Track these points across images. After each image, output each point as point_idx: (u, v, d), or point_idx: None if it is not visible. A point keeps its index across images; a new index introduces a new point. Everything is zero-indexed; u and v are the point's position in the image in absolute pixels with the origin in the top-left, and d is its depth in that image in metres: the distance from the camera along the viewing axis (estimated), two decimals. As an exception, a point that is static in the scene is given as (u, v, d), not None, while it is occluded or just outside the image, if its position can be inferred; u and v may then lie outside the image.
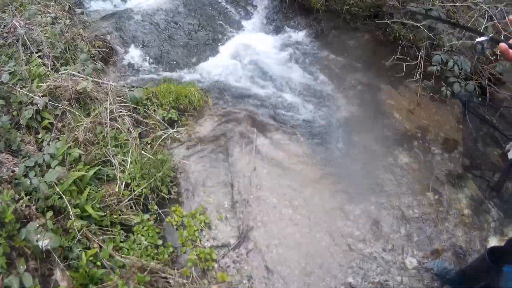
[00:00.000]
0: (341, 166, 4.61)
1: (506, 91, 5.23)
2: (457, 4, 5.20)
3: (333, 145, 4.86)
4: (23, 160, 3.59)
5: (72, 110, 4.18)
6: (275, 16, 7.15)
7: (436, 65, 4.83)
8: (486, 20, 4.71)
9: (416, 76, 5.35)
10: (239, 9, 7.23)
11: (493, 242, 4.11)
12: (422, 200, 4.34)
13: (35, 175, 3.46)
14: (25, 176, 3.44)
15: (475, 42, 1.33)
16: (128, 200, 3.76)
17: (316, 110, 5.34)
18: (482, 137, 4.84)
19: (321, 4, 6.66)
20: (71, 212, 3.29)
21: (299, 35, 6.84)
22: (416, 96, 5.49)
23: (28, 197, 3.28)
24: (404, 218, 4.17)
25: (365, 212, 4.17)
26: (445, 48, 4.95)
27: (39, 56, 4.62)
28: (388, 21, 5.87)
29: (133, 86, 5.02)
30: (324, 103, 5.48)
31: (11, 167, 3.46)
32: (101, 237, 3.43)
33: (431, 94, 5.49)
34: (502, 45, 1.22)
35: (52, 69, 4.55)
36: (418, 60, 5.35)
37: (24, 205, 3.14)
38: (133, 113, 4.59)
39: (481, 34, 1.27)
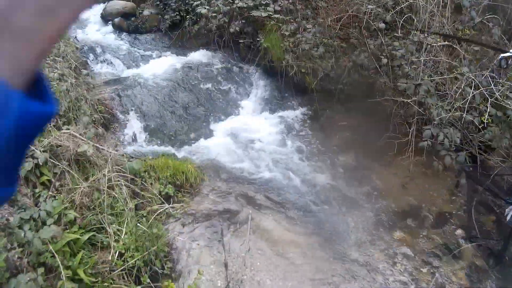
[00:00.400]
0: (335, 251, 4.55)
1: (497, 157, 5.31)
2: (445, 76, 5.41)
3: (328, 228, 4.84)
4: (18, 211, 3.56)
5: (71, 171, 4.21)
6: (271, 95, 7.37)
7: (426, 140, 4.94)
8: (472, 88, 4.90)
9: (407, 153, 5.46)
10: (238, 88, 7.44)
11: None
12: (419, 276, 4.29)
13: (30, 229, 3.43)
14: (19, 227, 3.42)
15: (499, 57, 1.40)
16: (121, 270, 3.71)
17: (310, 192, 5.38)
18: (475, 206, 4.90)
19: (315, 83, 6.89)
20: (62, 273, 3.25)
21: (294, 115, 7.03)
22: (408, 173, 5.56)
23: (21, 248, 3.25)
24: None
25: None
26: (435, 122, 5.08)
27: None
28: (379, 99, 6.07)
29: (132, 157, 5.10)
30: (318, 184, 5.52)
31: (6, 215, 3.44)
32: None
33: (423, 169, 5.56)
34: None
35: (54, 125, 4.62)
36: (409, 137, 5.48)
37: (16, 255, 3.12)
38: (131, 183, 4.62)
39: (503, 51, 1.36)
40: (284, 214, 4.92)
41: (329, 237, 4.69)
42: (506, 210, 3.52)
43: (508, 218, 3.40)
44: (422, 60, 5.39)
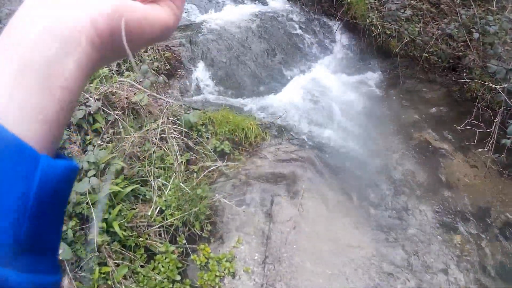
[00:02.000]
0: (387, 240, 4.23)
1: None
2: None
3: (385, 213, 4.50)
4: (64, 159, 3.54)
5: (123, 120, 4.14)
6: (351, 54, 6.98)
7: (510, 137, 4.46)
8: None
9: (487, 146, 4.96)
10: (316, 44, 7.06)
11: None
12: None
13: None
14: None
15: None
16: (159, 227, 3.64)
17: (375, 168, 5.04)
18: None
19: (399, 48, 6.41)
20: (95, 226, 3.21)
21: (374, 79, 6.61)
22: (484, 168, 5.05)
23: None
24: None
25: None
26: (524, 118, 4.56)
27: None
28: (465, 79, 5.55)
29: (191, 108, 4.93)
30: (385, 161, 5.16)
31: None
32: (121, 256, 3.34)
33: (501, 169, 5.02)
34: None
35: (117, 71, 4.53)
36: (492, 128, 4.97)
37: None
38: (185, 137, 4.49)
39: None
40: (345, 189, 4.62)
41: (385, 228, 4.36)
42: None
43: None
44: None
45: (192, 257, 3.64)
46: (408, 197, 4.72)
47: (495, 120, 5.02)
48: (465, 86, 5.93)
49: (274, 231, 3.98)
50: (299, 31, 7.08)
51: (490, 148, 4.89)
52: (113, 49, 0.47)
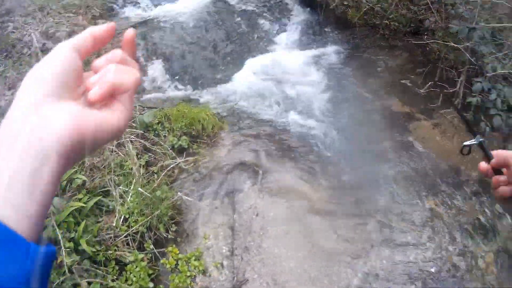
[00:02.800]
0: (359, 213, 4.15)
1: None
2: (505, 24, 4.73)
3: (353, 186, 4.41)
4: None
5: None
6: (309, 29, 6.84)
7: (475, 95, 4.38)
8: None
9: (453, 106, 4.90)
10: (273, 21, 6.93)
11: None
12: (444, 254, 3.87)
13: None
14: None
15: (463, 144, 1.18)
16: (125, 236, 3.53)
17: (340, 146, 4.91)
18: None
19: (358, 17, 6.30)
20: (62, 248, 3.10)
21: (333, 52, 6.45)
22: (451, 129, 4.99)
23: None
24: (421, 275, 3.72)
25: (377, 268, 3.72)
26: (488, 75, 4.47)
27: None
28: (427, 41, 5.45)
29: (147, 107, 4.80)
30: (351, 135, 5.05)
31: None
32: (93, 273, 3.22)
33: (469, 127, 4.98)
34: (482, 165, 1.13)
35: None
36: (457, 88, 4.89)
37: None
38: (142, 138, 4.36)
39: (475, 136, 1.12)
40: (307, 172, 4.50)
41: (355, 199, 4.28)
42: None
43: None
44: (479, 1, 4.69)
45: (161, 261, 3.56)
46: (377, 165, 4.68)
47: (459, 80, 4.95)
48: (427, 49, 5.85)
49: (239, 221, 3.92)
50: (254, 13, 6.96)
51: (457, 108, 4.83)
52: (76, 156, 0.60)
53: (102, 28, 0.68)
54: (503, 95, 4.29)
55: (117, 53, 0.69)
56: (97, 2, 5.90)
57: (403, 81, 5.75)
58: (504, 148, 4.60)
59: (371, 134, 5.06)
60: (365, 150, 4.88)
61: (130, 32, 0.72)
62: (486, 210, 4.23)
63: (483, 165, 1.14)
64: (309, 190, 4.31)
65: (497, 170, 1.12)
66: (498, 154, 1.11)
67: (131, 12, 6.96)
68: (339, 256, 3.75)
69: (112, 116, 0.64)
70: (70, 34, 5.03)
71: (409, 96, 5.49)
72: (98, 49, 0.69)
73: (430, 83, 5.17)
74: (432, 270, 3.74)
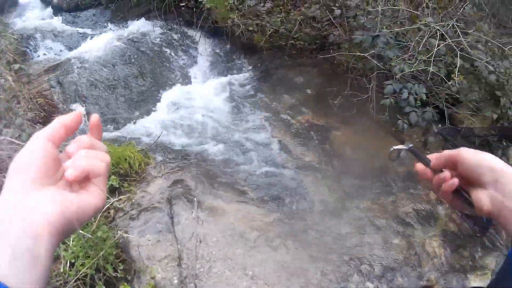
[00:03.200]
0: (297, 224, 4.17)
1: (465, 111, 5.03)
2: (406, 27, 5.05)
3: (287, 201, 4.43)
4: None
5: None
6: (218, 59, 6.96)
7: (388, 97, 4.61)
8: (438, 40, 4.56)
9: (369, 110, 5.12)
10: (183, 57, 6.97)
11: (475, 279, 3.84)
12: (389, 248, 3.98)
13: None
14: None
15: (391, 149, 1.15)
16: (75, 281, 3.33)
17: (265, 163, 4.96)
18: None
19: (264, 41, 6.46)
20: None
21: (245, 78, 6.60)
22: (371, 132, 5.20)
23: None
24: (372, 271, 3.79)
25: (327, 273, 3.73)
26: (397, 76, 4.73)
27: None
28: (334, 54, 5.70)
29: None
30: (273, 153, 5.10)
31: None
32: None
33: (387, 128, 5.18)
34: (419, 166, 1.06)
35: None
36: (370, 93, 5.13)
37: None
38: (72, 182, 4.15)
39: (402, 142, 1.09)
40: (239, 190, 4.49)
41: (289, 213, 4.29)
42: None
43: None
44: (379, 10, 4.98)
45: (115, 301, 3.36)
46: (305, 179, 4.72)
47: (370, 86, 5.18)
48: (335, 62, 6.09)
49: (183, 250, 3.81)
50: (165, 48, 6.97)
51: (372, 111, 5.05)
52: (64, 233, 0.69)
53: (70, 117, 0.77)
54: (414, 92, 4.54)
55: (84, 138, 0.79)
56: (11, 47, 5.67)
57: (316, 95, 5.93)
58: (425, 141, 4.91)
59: (292, 149, 5.14)
60: (288, 163, 4.93)
61: (95, 117, 0.83)
62: (421, 200, 4.43)
63: (420, 165, 1.07)
64: (244, 209, 4.29)
65: (436, 171, 1.05)
66: (439, 156, 1.04)
67: (43, 56, 6.81)
68: (288, 266, 3.75)
69: (90, 198, 0.75)
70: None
71: (324, 109, 5.66)
72: (69, 135, 0.78)
73: (342, 93, 5.36)
74: (384, 263, 3.83)
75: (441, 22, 4.72)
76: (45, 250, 0.64)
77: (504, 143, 4.85)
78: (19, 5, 9.11)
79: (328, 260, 3.82)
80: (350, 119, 5.40)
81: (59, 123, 0.76)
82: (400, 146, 1.12)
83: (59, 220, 0.67)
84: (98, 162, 0.77)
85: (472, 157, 0.94)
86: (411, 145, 1.11)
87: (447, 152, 1.00)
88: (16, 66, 5.57)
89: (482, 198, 0.90)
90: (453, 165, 0.98)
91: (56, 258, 3.44)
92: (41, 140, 0.72)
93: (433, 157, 1.04)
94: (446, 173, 0.98)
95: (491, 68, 4.43)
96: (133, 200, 4.26)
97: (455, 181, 0.96)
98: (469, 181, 0.95)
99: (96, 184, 0.78)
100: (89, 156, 0.76)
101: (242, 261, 3.74)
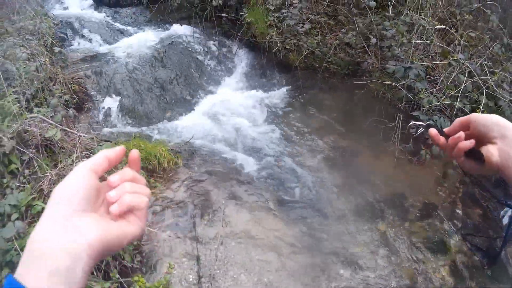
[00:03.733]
0: (314, 240, 4.33)
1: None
2: (437, 61, 5.19)
3: (307, 218, 4.59)
4: (-17, 205, 3.33)
5: (39, 158, 3.93)
6: (253, 72, 7.12)
7: (414, 127, 4.73)
8: (466, 76, 4.69)
9: (394, 138, 5.26)
10: (219, 65, 7.17)
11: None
12: (400, 272, 4.11)
13: (-5, 225, 3.21)
14: (-16, 224, 3.19)
15: (410, 123, 1.28)
16: (89, 265, 3.47)
17: (289, 179, 5.11)
18: (461, 198, 4.73)
19: (299, 61, 6.65)
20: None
21: (277, 94, 6.76)
22: (394, 160, 5.33)
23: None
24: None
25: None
26: (424, 108, 4.87)
27: (14, 92, 4.39)
28: (366, 81, 5.85)
29: (103, 140, 4.80)
30: (298, 170, 5.25)
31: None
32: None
33: (410, 157, 5.33)
34: (432, 130, 1.14)
35: (26, 108, 4.34)
36: (396, 122, 5.27)
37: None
38: (101, 170, 4.33)
39: (420, 120, 1.21)
40: (262, 202, 4.67)
41: (309, 227, 4.46)
42: (501, 212, 3.37)
43: (504, 220, 3.24)
44: (413, 42, 5.14)
45: (129, 290, 3.51)
46: (326, 197, 4.88)
47: (398, 115, 5.31)
48: (366, 89, 6.23)
49: (203, 250, 3.96)
50: (202, 54, 7.16)
51: (397, 140, 5.18)
52: (101, 257, 0.75)
53: (114, 152, 0.86)
54: (440, 125, 4.67)
55: (127, 172, 0.87)
56: (50, 31, 5.88)
57: (344, 118, 6.10)
58: (444, 174, 5.02)
59: (317, 167, 5.30)
60: (312, 182, 5.08)
61: (135, 153, 0.91)
62: (435, 229, 4.55)
63: (434, 131, 1.14)
64: (266, 220, 4.45)
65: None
66: (452, 125, 1.12)
67: (81, 45, 7.05)
68: (302, 278, 3.89)
69: (130, 228, 0.80)
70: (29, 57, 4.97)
71: (351, 133, 5.82)
72: (111, 168, 0.85)
73: (371, 118, 5.50)
74: (392, 284, 3.95)
75: (470, 60, 4.85)
76: (82, 270, 0.68)
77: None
78: None
79: (339, 276, 3.97)
80: (376, 145, 5.54)
81: (104, 155, 0.83)
82: (418, 122, 1.22)
83: (98, 244, 0.72)
84: (141, 197, 0.84)
85: (482, 117, 1.04)
86: (428, 122, 1.19)
87: (459, 119, 1.10)
88: (57, 49, 5.76)
89: (492, 151, 1.00)
90: (466, 129, 1.07)
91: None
92: (84, 170, 0.78)
93: (446, 129, 1.13)
94: (461, 133, 1.06)
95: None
96: (158, 196, 4.45)
97: (472, 141, 1.04)
98: (479, 140, 1.04)
99: (137, 215, 0.84)
100: (133, 190, 0.84)
101: (258, 268, 3.90)
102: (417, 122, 1.22)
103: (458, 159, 1.10)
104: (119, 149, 0.87)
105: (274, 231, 4.31)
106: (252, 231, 4.26)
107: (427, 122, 1.18)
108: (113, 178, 0.83)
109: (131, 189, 0.83)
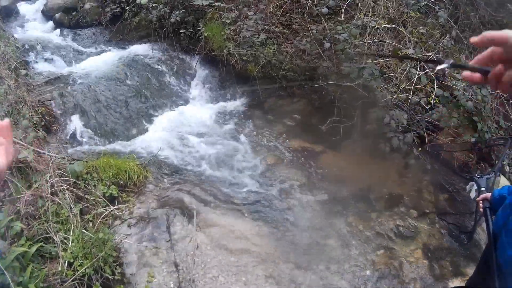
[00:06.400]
0: (287, 237, 4.50)
1: (446, 137, 5.43)
2: (390, 59, 5.44)
3: (277, 217, 4.75)
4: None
5: (13, 180, 3.95)
6: (213, 85, 7.25)
7: (372, 123, 4.96)
8: (418, 70, 4.95)
9: (354, 136, 5.47)
10: (179, 80, 7.27)
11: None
12: (373, 259, 4.31)
13: (-24, 248, 3.23)
14: (-37, 246, 3.21)
15: (436, 70, 1.29)
16: (72, 280, 3.51)
17: (256, 183, 5.28)
18: (425, 185, 4.98)
19: (257, 71, 6.81)
20: (12, 291, 3.06)
21: (237, 104, 6.96)
22: (356, 156, 5.58)
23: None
24: (358, 281, 4.10)
25: (317, 281, 4.04)
26: (380, 104, 5.11)
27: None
28: (322, 84, 6.06)
29: (73, 159, 4.84)
30: (264, 174, 5.44)
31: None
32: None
33: (371, 152, 5.53)
34: (465, 73, 1.07)
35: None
36: (355, 120, 5.49)
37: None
38: (74, 187, 4.38)
39: (440, 62, 1.22)
40: (232, 206, 4.81)
41: (279, 227, 4.62)
42: (467, 186, 3.57)
43: (472, 194, 3.44)
44: (366, 44, 5.39)
45: (112, 303, 3.56)
46: (293, 197, 5.07)
47: (356, 113, 5.55)
48: (323, 93, 6.45)
49: (180, 256, 4.07)
50: (162, 70, 7.26)
51: (357, 137, 5.42)
52: None
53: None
54: (396, 118, 4.91)
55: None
56: (13, 55, 5.90)
57: (305, 122, 6.33)
58: (406, 164, 5.26)
59: (282, 170, 5.49)
60: (277, 184, 5.28)
61: (5, 121, 0.96)
62: (403, 217, 4.79)
63: (467, 73, 1.07)
64: (236, 222, 4.60)
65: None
66: (483, 35, 1.01)
67: (45, 68, 7.10)
68: (277, 275, 4.04)
69: None
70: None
71: (313, 135, 6.05)
72: None
73: (330, 119, 5.72)
74: (367, 272, 4.13)
75: (421, 54, 5.12)
76: None
77: (482, 165, 5.25)
78: (20, 15, 9.33)
79: (314, 270, 4.13)
80: (337, 144, 5.77)
81: None
82: (443, 66, 1.15)
83: None
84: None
85: None
86: (452, 60, 1.12)
87: (489, 34, 0.99)
88: (23, 72, 5.79)
89: None
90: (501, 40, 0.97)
91: (54, 258, 3.65)
92: None
93: (474, 60, 1.06)
94: (499, 67, 1.00)
95: (468, 96, 4.84)
96: (131, 210, 4.53)
97: None
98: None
99: None
100: None
101: (235, 269, 4.02)
102: (441, 67, 1.16)
103: (504, 90, 1.06)
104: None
105: (246, 233, 4.46)
106: (225, 234, 4.38)
107: (451, 62, 1.13)
108: None
109: None
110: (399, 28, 5.53)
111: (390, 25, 5.53)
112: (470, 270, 4.19)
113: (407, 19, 5.91)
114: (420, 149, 5.20)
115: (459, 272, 4.28)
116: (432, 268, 4.28)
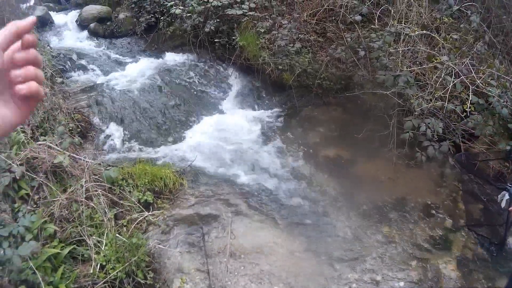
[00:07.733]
0: (321, 246, 4.46)
1: (481, 145, 5.29)
2: (424, 66, 5.36)
3: (312, 227, 4.73)
4: (-2, 228, 3.44)
5: (48, 183, 4.07)
6: (249, 94, 7.32)
7: (408, 131, 4.88)
8: (453, 77, 4.85)
9: (390, 145, 5.40)
10: (215, 89, 7.37)
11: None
12: (407, 270, 4.21)
13: (9, 246, 3.31)
14: (-1, 245, 3.30)
15: (502, 195, 1.30)
16: (104, 283, 3.58)
17: (291, 192, 5.26)
18: (461, 195, 4.85)
19: (293, 80, 6.82)
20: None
21: (273, 113, 6.97)
22: (391, 165, 5.48)
23: (1, 267, 3.15)
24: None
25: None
26: (416, 112, 5.02)
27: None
28: (358, 92, 6.01)
29: (109, 165, 4.94)
30: (299, 183, 5.41)
31: (-15, 234, 3.32)
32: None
33: (407, 161, 5.49)
34: None
35: (31, 137, 4.47)
36: (391, 129, 5.42)
37: (-3, 274, 3.01)
38: (109, 193, 4.47)
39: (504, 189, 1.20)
40: (266, 215, 4.81)
41: (314, 236, 4.58)
42: (499, 196, 3.48)
43: (503, 204, 3.35)
44: (400, 51, 5.32)
45: (143, 306, 3.60)
46: (330, 207, 5.02)
47: (391, 122, 5.47)
48: (359, 101, 6.40)
49: (213, 264, 4.08)
50: (198, 79, 7.37)
51: (393, 146, 5.32)
52: None
53: (26, 23, 0.75)
54: (432, 126, 4.81)
55: (32, 52, 0.78)
56: (50, 63, 6.10)
57: (340, 131, 6.29)
58: (442, 173, 5.14)
59: (318, 179, 5.46)
60: (313, 193, 5.24)
61: (30, 37, 0.77)
62: (438, 227, 4.68)
63: None
64: (271, 231, 4.59)
65: None
66: None
67: (80, 76, 7.26)
68: (312, 282, 4.01)
69: (16, 113, 0.80)
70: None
71: (348, 144, 5.99)
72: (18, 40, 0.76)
73: (365, 128, 5.65)
74: (401, 284, 4.05)
75: (455, 60, 5.01)
76: None
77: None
78: (54, 25, 9.58)
79: (349, 279, 4.07)
80: (373, 153, 5.73)
81: (14, 31, 0.75)
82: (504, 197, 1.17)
83: None
84: (41, 88, 0.79)
85: None
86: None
87: None
88: (59, 79, 5.98)
89: None
90: None
91: (86, 260, 3.74)
92: None
93: None
94: None
95: (503, 102, 4.70)
96: (166, 216, 4.58)
97: None
98: None
99: (29, 104, 0.82)
100: (38, 76, 0.79)
101: (268, 278, 4.01)
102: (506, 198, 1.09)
103: None
104: (31, 20, 0.76)
105: (281, 243, 4.44)
106: (259, 244, 4.38)
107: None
108: (19, 55, 0.76)
109: (35, 75, 0.78)
110: (433, 35, 5.43)
111: (424, 31, 5.43)
112: (501, 285, 4.07)
113: (440, 25, 5.81)
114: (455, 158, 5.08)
115: (492, 285, 4.14)
116: (465, 279, 4.15)
